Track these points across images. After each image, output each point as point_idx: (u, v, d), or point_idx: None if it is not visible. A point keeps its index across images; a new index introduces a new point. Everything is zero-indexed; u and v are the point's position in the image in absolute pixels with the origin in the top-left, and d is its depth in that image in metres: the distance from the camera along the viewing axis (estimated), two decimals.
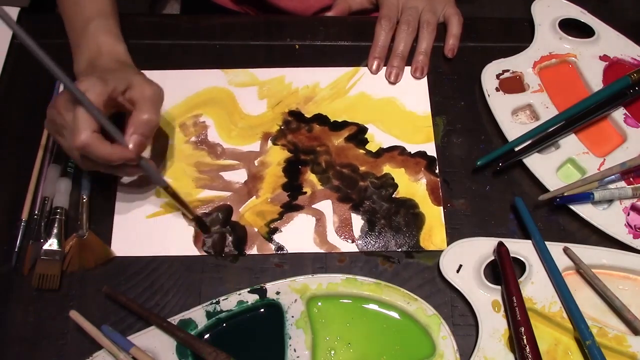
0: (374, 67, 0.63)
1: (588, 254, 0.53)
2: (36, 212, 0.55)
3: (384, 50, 0.63)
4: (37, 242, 0.53)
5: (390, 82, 0.63)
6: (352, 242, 0.55)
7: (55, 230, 0.53)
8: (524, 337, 0.48)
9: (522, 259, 0.53)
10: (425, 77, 0.63)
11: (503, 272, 0.51)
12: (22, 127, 0.60)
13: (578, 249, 0.53)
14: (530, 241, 0.54)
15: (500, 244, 0.53)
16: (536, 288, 0.52)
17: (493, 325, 0.51)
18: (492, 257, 0.53)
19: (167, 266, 0.54)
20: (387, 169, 0.59)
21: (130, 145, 0.48)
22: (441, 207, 0.56)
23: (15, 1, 0.69)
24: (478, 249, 0.54)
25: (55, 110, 0.49)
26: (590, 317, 0.51)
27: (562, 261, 0.53)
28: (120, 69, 0.53)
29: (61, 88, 0.61)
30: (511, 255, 0.52)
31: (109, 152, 0.47)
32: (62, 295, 0.53)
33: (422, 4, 0.64)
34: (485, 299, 0.52)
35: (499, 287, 0.52)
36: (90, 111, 0.46)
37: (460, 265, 0.53)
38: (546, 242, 0.53)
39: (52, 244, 0.53)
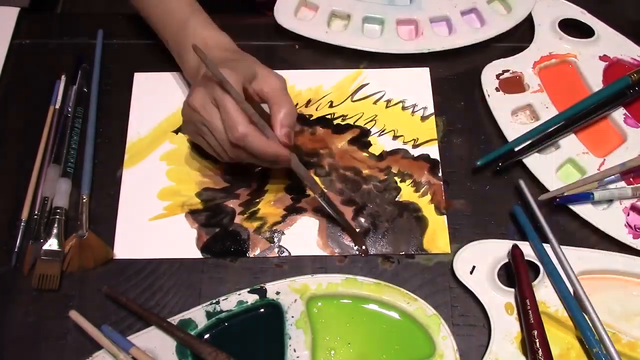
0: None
1: (602, 259, 0.53)
2: (36, 212, 0.55)
3: None
4: (37, 242, 0.53)
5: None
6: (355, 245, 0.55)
7: (55, 231, 0.53)
8: (537, 340, 0.48)
9: (536, 262, 0.53)
10: (429, 80, 0.63)
11: (517, 274, 0.51)
12: (22, 127, 0.60)
13: (593, 254, 0.53)
14: (547, 245, 0.53)
15: (515, 247, 0.52)
16: (550, 291, 0.52)
17: (505, 328, 0.50)
18: (506, 260, 0.53)
19: (167, 266, 0.54)
20: (390, 172, 0.59)
21: (283, 139, 0.49)
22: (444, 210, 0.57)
23: (15, 1, 0.69)
24: (492, 251, 0.53)
25: (192, 110, 0.50)
26: (603, 322, 0.49)
27: (574, 266, 0.52)
28: (237, 58, 0.54)
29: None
30: (525, 258, 0.52)
31: (265, 144, 0.49)
32: (62, 295, 0.52)
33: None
34: (498, 301, 0.51)
35: (512, 290, 0.52)
36: (240, 103, 0.48)
37: (474, 267, 0.53)
38: (544, 244, 0.53)
39: (52, 244, 0.53)
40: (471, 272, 0.53)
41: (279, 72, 0.63)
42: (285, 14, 0.65)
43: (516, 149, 0.58)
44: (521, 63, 0.63)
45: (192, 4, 0.58)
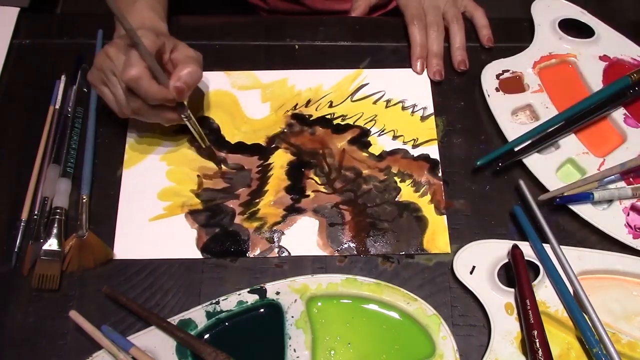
0: (419, 67, 0.64)
1: (602, 259, 0.53)
2: (36, 212, 0.55)
3: (424, 49, 0.64)
4: (36, 242, 0.53)
5: (436, 81, 0.63)
6: (355, 245, 0.55)
7: (55, 231, 0.53)
8: (537, 340, 0.48)
9: (536, 262, 0.53)
10: (429, 80, 0.63)
11: (517, 274, 0.51)
12: (22, 127, 0.60)
13: (593, 254, 0.53)
14: (547, 245, 0.54)
15: (515, 247, 0.52)
16: (550, 291, 0.52)
17: (505, 328, 0.50)
18: (506, 260, 0.53)
19: (167, 266, 0.54)
20: (390, 172, 0.59)
21: (173, 91, 0.52)
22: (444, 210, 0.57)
23: (15, 1, 0.69)
24: (492, 252, 0.53)
25: (105, 56, 0.53)
26: (603, 322, 0.50)
27: (573, 266, 0.52)
28: (164, 37, 0.56)
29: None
30: (526, 258, 0.52)
31: (156, 89, 0.51)
32: (62, 295, 0.53)
33: (443, 1, 0.65)
34: (498, 301, 0.51)
35: (512, 290, 0.52)
36: (143, 53, 0.51)
37: (474, 267, 0.53)
38: (544, 244, 0.53)
39: (51, 244, 0.53)
40: (471, 272, 0.53)
41: (279, 72, 0.64)
42: None
43: (516, 149, 0.58)
44: (521, 63, 0.63)
45: None
